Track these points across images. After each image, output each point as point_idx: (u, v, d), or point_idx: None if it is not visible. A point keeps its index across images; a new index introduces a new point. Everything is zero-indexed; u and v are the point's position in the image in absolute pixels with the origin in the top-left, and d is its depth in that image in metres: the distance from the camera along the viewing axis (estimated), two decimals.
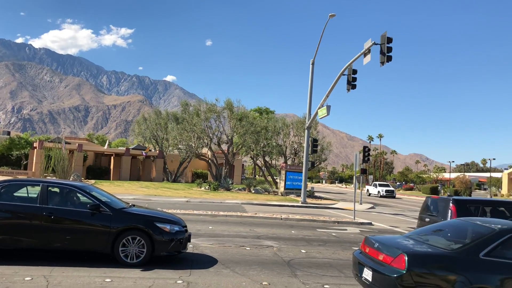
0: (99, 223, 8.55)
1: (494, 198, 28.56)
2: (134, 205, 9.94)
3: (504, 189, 73.93)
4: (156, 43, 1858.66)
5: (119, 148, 69.65)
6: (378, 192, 55.50)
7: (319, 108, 27.63)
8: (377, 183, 60.02)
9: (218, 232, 13.71)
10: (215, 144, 44.95)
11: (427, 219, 11.51)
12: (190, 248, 10.50)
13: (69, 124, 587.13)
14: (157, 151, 52.87)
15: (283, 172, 37.12)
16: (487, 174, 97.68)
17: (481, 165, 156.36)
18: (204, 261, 9.34)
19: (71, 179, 32.98)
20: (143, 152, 50.48)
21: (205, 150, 48.05)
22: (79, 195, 8.99)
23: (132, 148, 53.88)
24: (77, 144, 49.49)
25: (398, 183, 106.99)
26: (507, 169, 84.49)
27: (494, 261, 5.83)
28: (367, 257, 6.64)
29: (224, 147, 45.60)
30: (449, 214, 10.54)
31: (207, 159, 46.48)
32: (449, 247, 6.19)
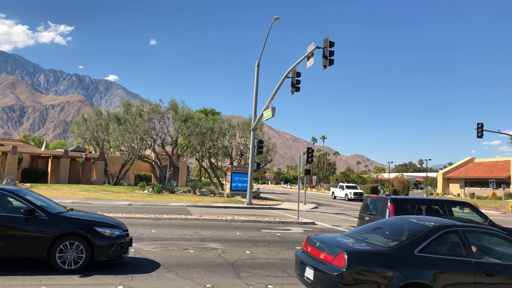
0: (34, 229, 8.13)
1: (429, 197, 30.07)
2: (72, 209, 9.55)
3: (439, 188, 78.05)
4: (97, 41, 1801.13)
5: (57, 150, 66.70)
6: (346, 195, 50.74)
7: (264, 109, 27.87)
8: (344, 184, 54.55)
9: (162, 236, 13.46)
10: (159, 146, 44.13)
11: (366, 218, 11.91)
12: (132, 252, 10.22)
13: (2, 124, 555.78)
14: (98, 153, 51.16)
15: (229, 173, 37.08)
16: (424, 174, 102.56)
17: (418, 166, 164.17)
18: (146, 265, 9.13)
19: (4, 182, 31.18)
20: (83, 154, 48.65)
21: (148, 152, 47.03)
22: (11, 199, 8.50)
23: (71, 150, 51.79)
24: (11, 146, 46.86)
25: (340, 183, 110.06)
26: (442, 169, 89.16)
27: (428, 256, 6.11)
28: (309, 256, 6.75)
29: (169, 148, 44.88)
30: (387, 213, 10.96)
31: (151, 161, 45.54)
32: (386, 244, 6.42)
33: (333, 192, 55.00)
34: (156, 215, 18.74)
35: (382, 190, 75.46)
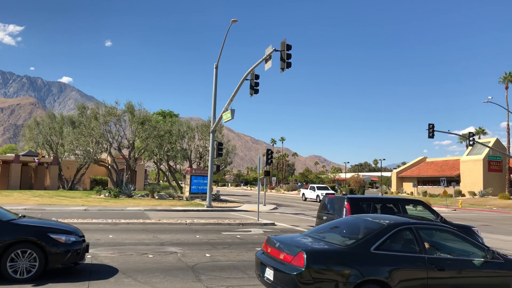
0: None
1: (384, 195, 30.99)
2: (24, 216, 9.20)
3: (393, 187, 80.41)
4: (49, 42, 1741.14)
5: (7, 154, 63.96)
6: (317, 196, 49.25)
7: (223, 112, 27.83)
8: (315, 186, 52.94)
9: (119, 241, 13.18)
10: (116, 149, 43.15)
11: (324, 217, 12.12)
12: (89, 258, 9.97)
13: None
14: (52, 157, 49.44)
15: (188, 176, 36.74)
16: (379, 174, 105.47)
17: (373, 165, 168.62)
18: (104, 272, 8.92)
19: None
20: (35, 158, 46.85)
21: (104, 156, 45.85)
22: None
23: (23, 155, 49.71)
24: None
25: (299, 183, 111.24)
26: (395, 168, 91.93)
27: (383, 254, 6.29)
28: (269, 257, 6.81)
29: (125, 152, 43.96)
30: (344, 212, 11.20)
31: (107, 165, 44.44)
32: (343, 243, 6.57)
33: (303, 194, 54.01)
34: (114, 220, 18.32)
35: (339, 190, 76.94)
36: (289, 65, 20.45)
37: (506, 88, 64.00)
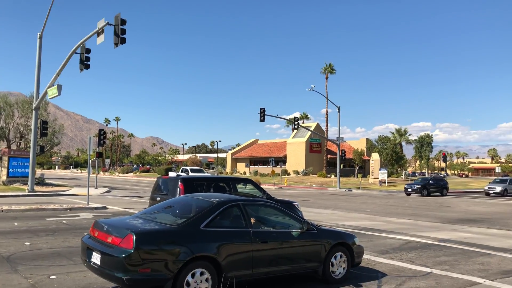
0: None
1: (218, 175, 31.96)
2: None
3: (228, 167, 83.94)
4: None
5: None
6: None
7: (49, 87, 25.36)
8: (188, 168, 49.71)
9: None
10: None
11: (158, 198, 12.02)
12: None
13: None
14: None
15: (5, 158, 32.70)
16: (215, 155, 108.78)
17: (210, 147, 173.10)
18: None
19: None
20: None
21: None
22: None
23: None
24: None
25: (135, 165, 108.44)
26: (230, 150, 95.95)
27: (212, 230, 6.50)
28: (96, 241, 6.48)
29: None
30: (178, 192, 11.27)
31: None
32: (174, 222, 6.60)
33: None
34: None
35: (176, 171, 77.27)
36: (123, 40, 19.50)
37: (327, 78, 71.59)
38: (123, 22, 19.48)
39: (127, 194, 30.83)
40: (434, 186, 39.27)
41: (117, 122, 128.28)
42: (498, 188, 39.52)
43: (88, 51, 22.85)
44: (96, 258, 6.21)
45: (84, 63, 22.62)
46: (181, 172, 49.52)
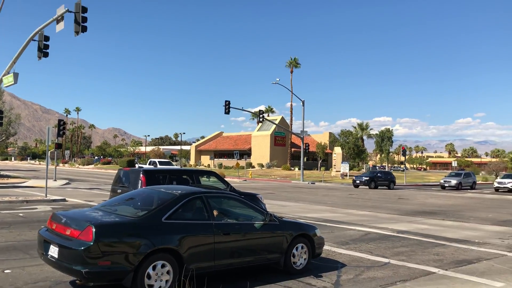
0: None
1: (182, 167, 31.46)
2: None
3: (192, 160, 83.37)
4: None
5: None
6: None
7: (4, 75, 24.35)
8: (156, 160, 47.15)
9: None
10: None
11: (119, 191, 11.82)
12: None
13: None
14: None
15: None
16: (179, 147, 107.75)
17: (174, 139, 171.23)
18: None
19: None
20: None
21: None
22: None
23: None
24: None
25: (96, 157, 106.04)
26: (194, 142, 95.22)
27: (174, 223, 6.46)
28: (54, 233, 6.32)
29: None
30: (140, 184, 11.11)
31: None
32: (135, 214, 6.51)
33: None
34: None
35: (138, 163, 76.11)
36: (84, 29, 18.90)
37: (291, 72, 72.11)
38: (84, 9, 18.88)
39: (87, 186, 30.15)
40: (382, 179, 39.96)
41: (78, 113, 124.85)
42: (453, 182, 40.39)
43: (46, 38, 22.04)
44: (53, 251, 6.06)
45: (43, 51, 21.81)
46: (149, 164, 47.59)
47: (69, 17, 20.25)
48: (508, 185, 38.10)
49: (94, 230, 5.73)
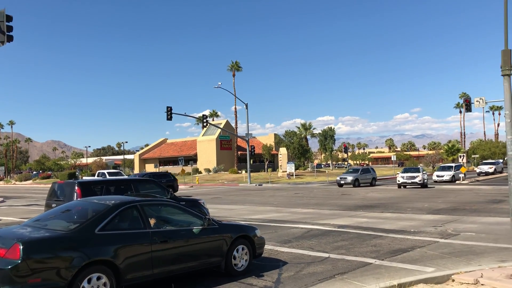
0: None
1: (119, 177, 30.15)
2: None
3: (136, 169, 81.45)
4: None
5: None
6: None
7: None
8: (105, 172, 46.28)
9: None
10: None
11: (54, 205, 11.36)
12: None
13: None
14: None
15: None
16: (122, 157, 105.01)
17: (117, 148, 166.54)
18: None
19: None
20: None
21: None
22: None
23: None
24: None
25: (34, 172, 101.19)
26: (138, 151, 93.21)
27: (109, 233, 6.33)
28: None
29: None
30: (75, 197, 10.75)
31: None
32: (67, 228, 6.31)
33: None
34: None
35: (80, 176, 73.42)
36: (10, 38, 18.00)
37: (233, 75, 72.30)
38: (9, 18, 17.99)
39: (24, 203, 28.73)
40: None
41: (11, 126, 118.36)
42: (349, 178, 37.54)
43: None
44: None
45: None
46: (97, 176, 46.53)
47: None
48: (446, 177, 39.25)
49: (21, 247, 5.52)
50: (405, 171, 35.85)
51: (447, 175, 39.56)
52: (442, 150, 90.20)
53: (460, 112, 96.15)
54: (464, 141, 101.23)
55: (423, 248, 10.05)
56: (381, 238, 11.52)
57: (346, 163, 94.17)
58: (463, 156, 50.43)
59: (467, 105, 33.84)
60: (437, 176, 40.12)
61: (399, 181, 34.44)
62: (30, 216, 19.03)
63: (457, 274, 7.34)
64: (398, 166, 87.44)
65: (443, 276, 7.36)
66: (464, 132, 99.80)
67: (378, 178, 48.47)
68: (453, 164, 43.59)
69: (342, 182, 37.92)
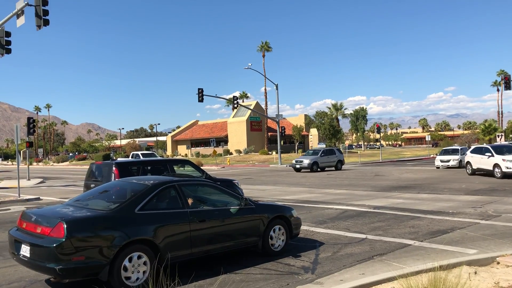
0: None
1: (155, 158, 30.13)
2: None
3: (169, 150, 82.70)
4: None
5: None
6: None
7: None
8: (139, 153, 43.38)
9: None
10: None
11: (92, 185, 11.62)
12: None
13: None
14: None
15: None
16: (155, 138, 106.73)
17: (149, 130, 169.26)
18: None
19: None
20: None
21: None
22: None
23: None
24: None
25: (70, 153, 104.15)
26: (170, 132, 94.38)
27: (148, 213, 6.40)
28: (25, 232, 6.19)
29: None
30: (113, 177, 10.94)
31: None
32: (108, 208, 6.41)
33: None
34: None
35: (114, 157, 75.07)
36: (46, 22, 18.30)
37: (263, 56, 71.77)
38: (45, 2, 18.27)
39: (62, 183, 29.62)
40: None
41: (49, 110, 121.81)
42: (306, 162, 33.32)
43: (8, 34, 21.29)
44: (25, 250, 5.94)
45: (5, 48, 21.09)
46: (131, 157, 45.76)
47: (31, 11, 19.59)
48: (452, 163, 32.03)
49: (65, 226, 5.63)
50: (444, 152, 33.53)
51: (453, 159, 32.13)
52: (478, 130, 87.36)
53: (498, 90, 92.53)
54: (502, 120, 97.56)
55: (464, 230, 9.78)
56: (418, 219, 11.27)
57: (378, 143, 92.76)
58: (501, 135, 48.42)
59: (506, 83, 32.51)
60: (441, 161, 32.82)
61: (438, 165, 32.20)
62: (69, 196, 19.62)
63: (502, 257, 7.09)
64: (432, 146, 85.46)
65: (487, 258, 7.12)
66: (502, 111, 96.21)
67: (412, 158, 46.94)
68: (459, 147, 35.45)
69: (298, 166, 33.58)
